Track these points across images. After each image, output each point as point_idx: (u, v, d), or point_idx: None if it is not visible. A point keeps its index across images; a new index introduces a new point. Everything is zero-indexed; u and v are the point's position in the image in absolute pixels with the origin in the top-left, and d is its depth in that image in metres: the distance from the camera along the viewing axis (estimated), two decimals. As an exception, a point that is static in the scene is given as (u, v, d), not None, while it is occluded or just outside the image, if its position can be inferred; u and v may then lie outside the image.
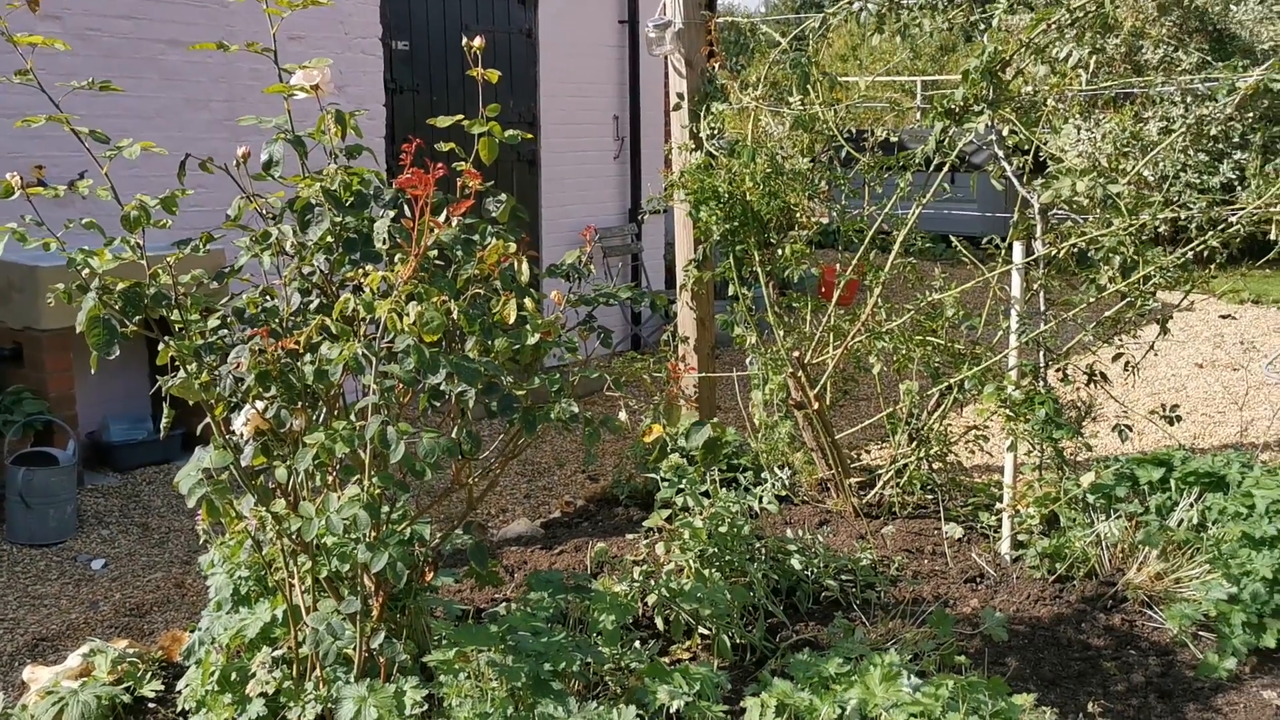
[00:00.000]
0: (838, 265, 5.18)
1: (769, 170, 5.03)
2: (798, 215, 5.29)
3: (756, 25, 5.50)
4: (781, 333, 5.17)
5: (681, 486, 3.81)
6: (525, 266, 2.71)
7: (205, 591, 3.48)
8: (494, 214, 2.98)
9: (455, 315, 2.63)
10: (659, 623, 3.80)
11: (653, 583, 3.82)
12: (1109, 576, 4.22)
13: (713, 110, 5.40)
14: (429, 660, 2.97)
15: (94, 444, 6.14)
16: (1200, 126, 4.69)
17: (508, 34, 8.15)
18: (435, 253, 2.92)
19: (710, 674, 2.99)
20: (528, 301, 2.69)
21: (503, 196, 3.00)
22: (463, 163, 2.94)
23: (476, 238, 2.88)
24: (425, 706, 2.89)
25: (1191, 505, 4.19)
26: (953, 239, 4.81)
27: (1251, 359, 8.53)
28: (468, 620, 3.62)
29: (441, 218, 2.81)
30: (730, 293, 5.34)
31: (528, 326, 2.79)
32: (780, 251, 5.13)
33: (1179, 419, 4.46)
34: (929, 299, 4.78)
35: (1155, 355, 4.49)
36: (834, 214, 5.16)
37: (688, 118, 5.51)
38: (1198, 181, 11.66)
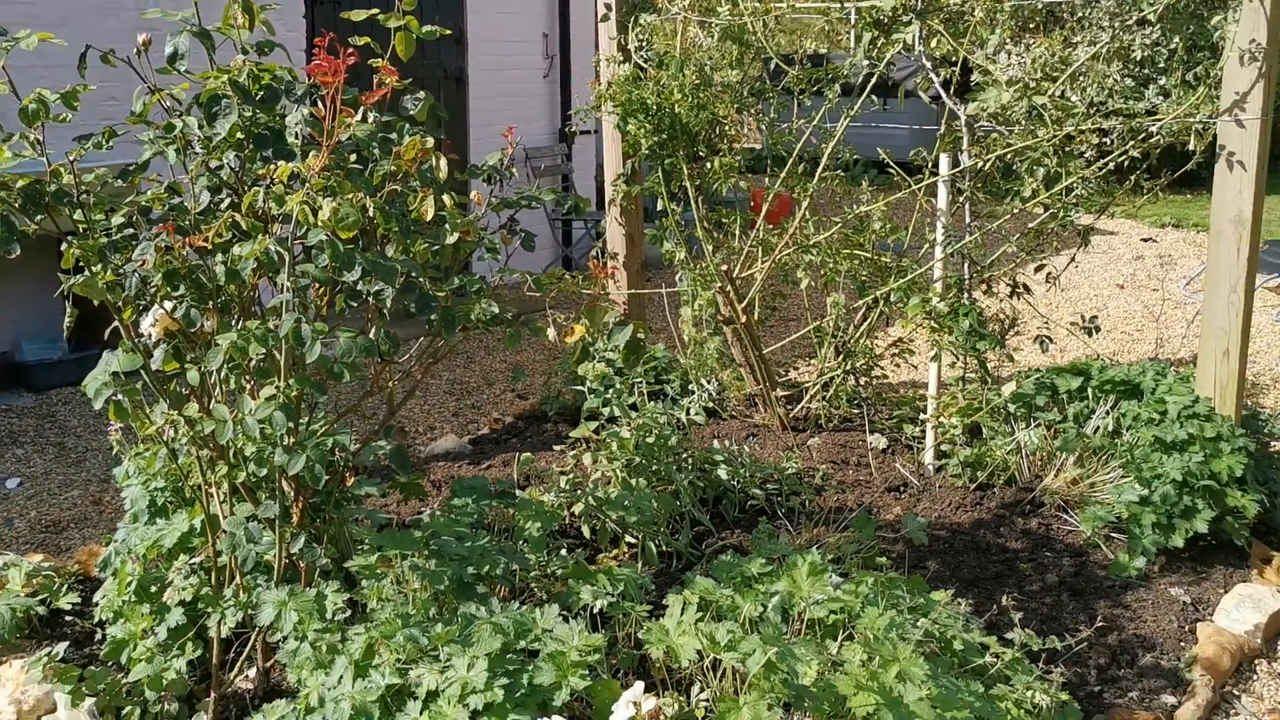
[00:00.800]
0: (765, 182, 5.16)
1: (697, 82, 4.98)
2: (727, 128, 5.25)
3: (685, -66, 5.39)
4: (710, 248, 5.15)
5: (608, 397, 3.80)
6: (443, 163, 2.64)
7: (123, 508, 3.41)
8: (412, 112, 2.90)
9: (371, 213, 2.57)
10: (586, 531, 3.81)
11: (579, 492, 3.82)
12: (1028, 483, 4.31)
13: (641, 22, 5.31)
14: (351, 566, 2.94)
15: (7, 364, 5.97)
16: (1127, 51, 4.70)
17: (433, -54, 7.94)
18: (354, 157, 2.85)
19: (634, 575, 3.00)
20: (446, 199, 2.63)
21: (421, 94, 2.92)
22: (379, 59, 2.85)
23: (394, 136, 2.80)
24: (348, 611, 2.87)
25: (1107, 413, 4.28)
26: (880, 151, 4.80)
27: (1170, 279, 8.70)
28: (391, 529, 3.60)
29: (358, 117, 2.73)
30: (659, 208, 5.30)
31: (446, 226, 2.73)
32: (709, 166, 5.09)
33: (1098, 329, 4.53)
34: (856, 212, 4.79)
35: (1076, 268, 4.56)
36: (763, 128, 5.12)
37: (615, 29, 5.41)
38: (1124, 106, 11.80)
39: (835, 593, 2.81)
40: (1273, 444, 4.43)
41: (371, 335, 2.66)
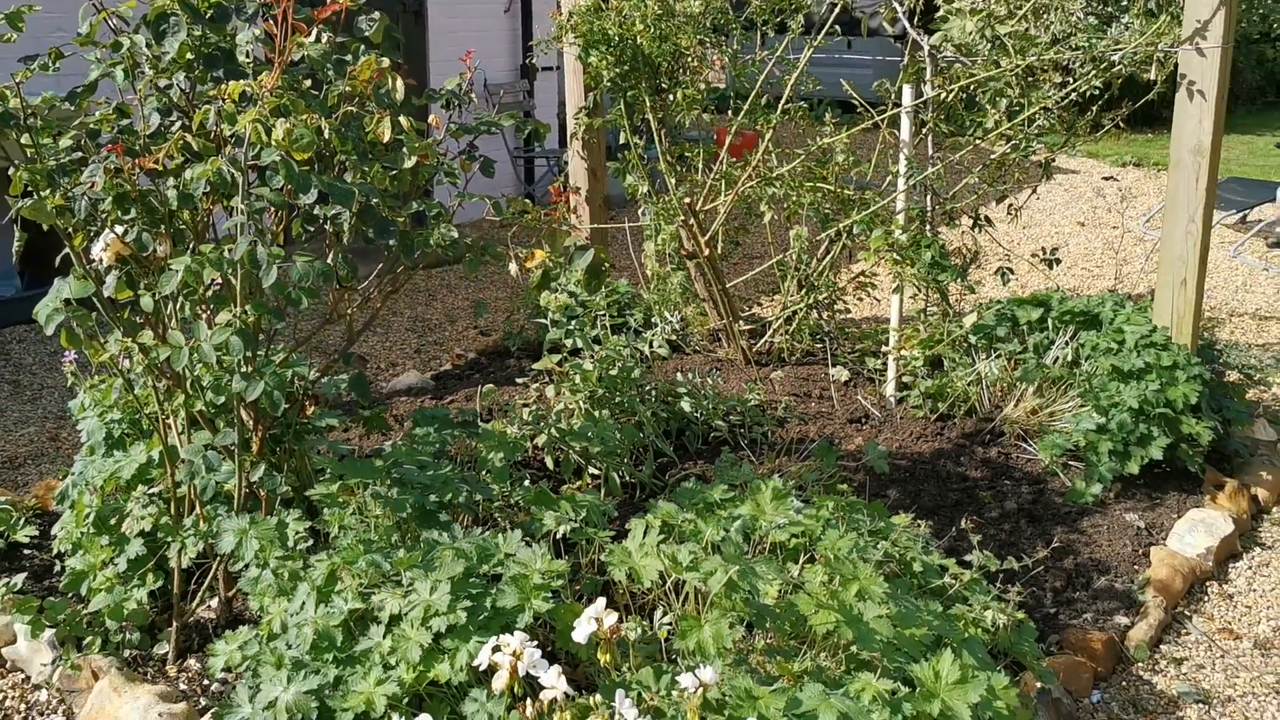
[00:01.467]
0: (729, 114, 5.12)
1: (660, 12, 4.91)
2: (690, 61, 5.19)
3: None
4: (674, 181, 5.11)
5: (570, 328, 3.78)
6: (399, 85, 2.59)
7: (80, 443, 3.37)
8: (367, 33, 2.84)
9: (327, 135, 2.52)
10: (549, 463, 3.81)
11: (542, 424, 3.81)
12: (988, 413, 4.35)
13: (603, -50, 5.21)
14: (312, 494, 2.93)
15: (-41, 303, 5.87)
16: None
17: (389, -126, 7.75)
18: (309, 82, 2.79)
19: (598, 501, 3.01)
20: (403, 121, 2.59)
21: (376, 15, 2.85)
22: (332, -21, 2.78)
23: (349, 58, 2.75)
24: (310, 540, 2.86)
25: (1067, 343, 4.31)
26: (844, 83, 4.77)
27: (1130, 216, 8.76)
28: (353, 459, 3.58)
29: (311, 36, 2.67)
30: (621, 142, 5.25)
31: (404, 150, 2.69)
32: (672, 98, 5.04)
33: (1059, 262, 4.56)
34: (820, 144, 4.77)
35: (1038, 206, 4.57)
36: (727, 60, 5.07)
37: (577, -42, 5.31)
38: (1087, 44, 11.78)
39: (797, 517, 2.83)
40: (1228, 373, 4.49)
41: (330, 261, 2.62)
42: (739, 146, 5.25)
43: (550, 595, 2.52)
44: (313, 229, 2.66)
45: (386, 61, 2.58)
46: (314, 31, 2.73)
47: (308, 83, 2.80)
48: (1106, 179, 10.32)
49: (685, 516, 2.79)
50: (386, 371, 5.43)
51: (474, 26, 8.54)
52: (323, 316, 2.99)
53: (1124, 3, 11.66)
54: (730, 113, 5.04)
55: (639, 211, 5.31)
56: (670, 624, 2.68)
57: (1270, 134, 12.42)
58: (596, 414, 3.91)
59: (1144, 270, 7.03)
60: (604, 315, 4.46)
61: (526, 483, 3.66)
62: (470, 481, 3.19)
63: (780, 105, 4.78)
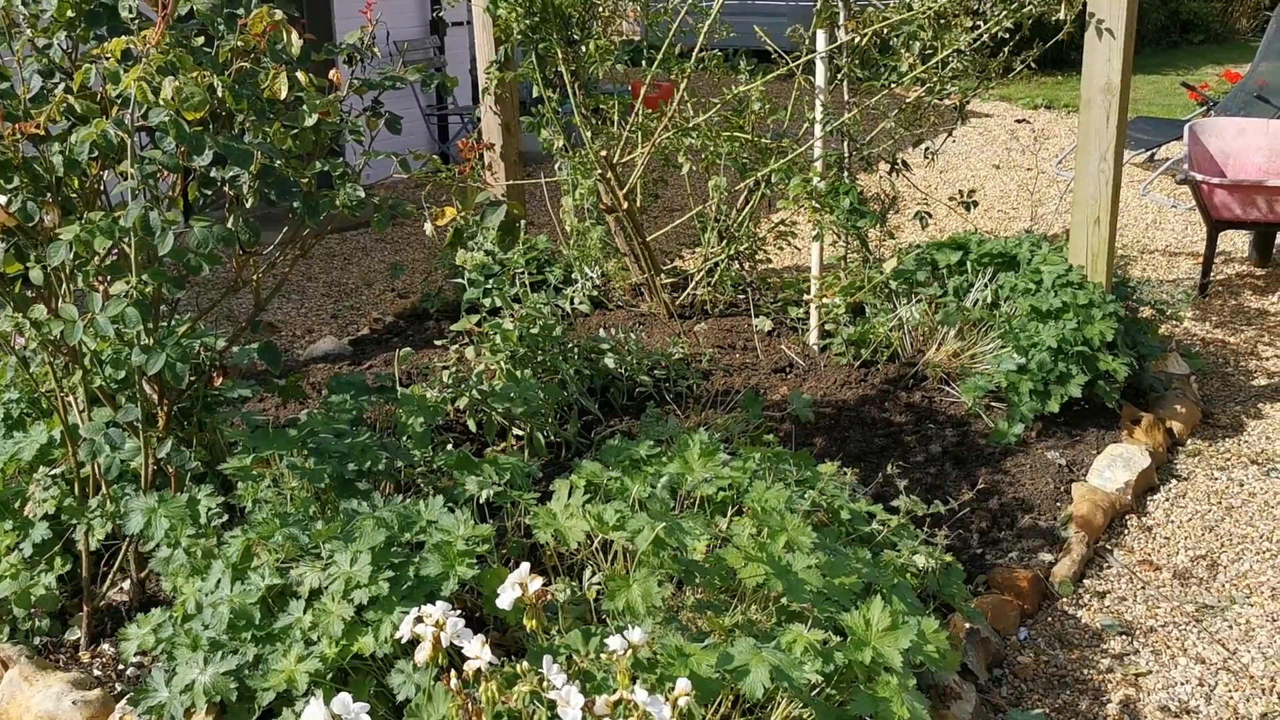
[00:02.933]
0: (643, 64, 5.03)
1: (569, -39, 4.80)
2: (601, 11, 5.09)
3: None
4: (590, 135, 5.02)
5: (489, 287, 3.70)
6: (295, 38, 2.48)
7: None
8: (260, -15, 2.71)
9: (220, 93, 2.40)
10: (471, 425, 3.74)
11: (463, 386, 3.74)
12: (910, 358, 4.36)
13: (508, -102, 5.07)
14: (225, 468, 2.83)
15: None
16: None
17: None
18: (201, 39, 2.66)
19: (521, 463, 2.95)
20: (300, 76, 2.48)
21: (269, -35, 2.72)
22: (220, -72, 2.65)
23: (240, 11, 2.62)
24: (224, 516, 2.77)
25: (986, 285, 4.33)
26: (758, 30, 4.71)
27: (1043, 158, 8.86)
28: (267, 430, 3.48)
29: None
30: (535, 96, 5.14)
31: (304, 108, 2.58)
32: (585, 49, 4.95)
33: (975, 204, 4.57)
34: (735, 93, 4.71)
35: (954, 149, 4.57)
36: (638, 7, 4.98)
37: (482, -94, 5.16)
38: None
39: (724, 470, 2.80)
40: (1141, 309, 4.56)
41: (230, 225, 2.51)
42: (655, 98, 5.17)
43: (475, 561, 2.46)
44: (210, 193, 2.54)
45: (280, 14, 2.46)
46: (203, -15, 2.60)
47: (200, 40, 2.67)
48: (1020, 121, 10.42)
49: (611, 475, 2.75)
50: (303, 339, 5.30)
51: (379, -19, 8.29)
52: (228, 284, 2.87)
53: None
54: (645, 64, 4.95)
55: (555, 166, 5.22)
56: (599, 584, 2.65)
57: (1175, 73, 12.65)
58: (518, 374, 3.85)
59: (1058, 211, 7.11)
60: (523, 273, 4.38)
61: (449, 447, 3.58)
62: (390, 448, 3.11)
63: (694, 55, 4.70)
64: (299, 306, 5.75)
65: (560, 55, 4.96)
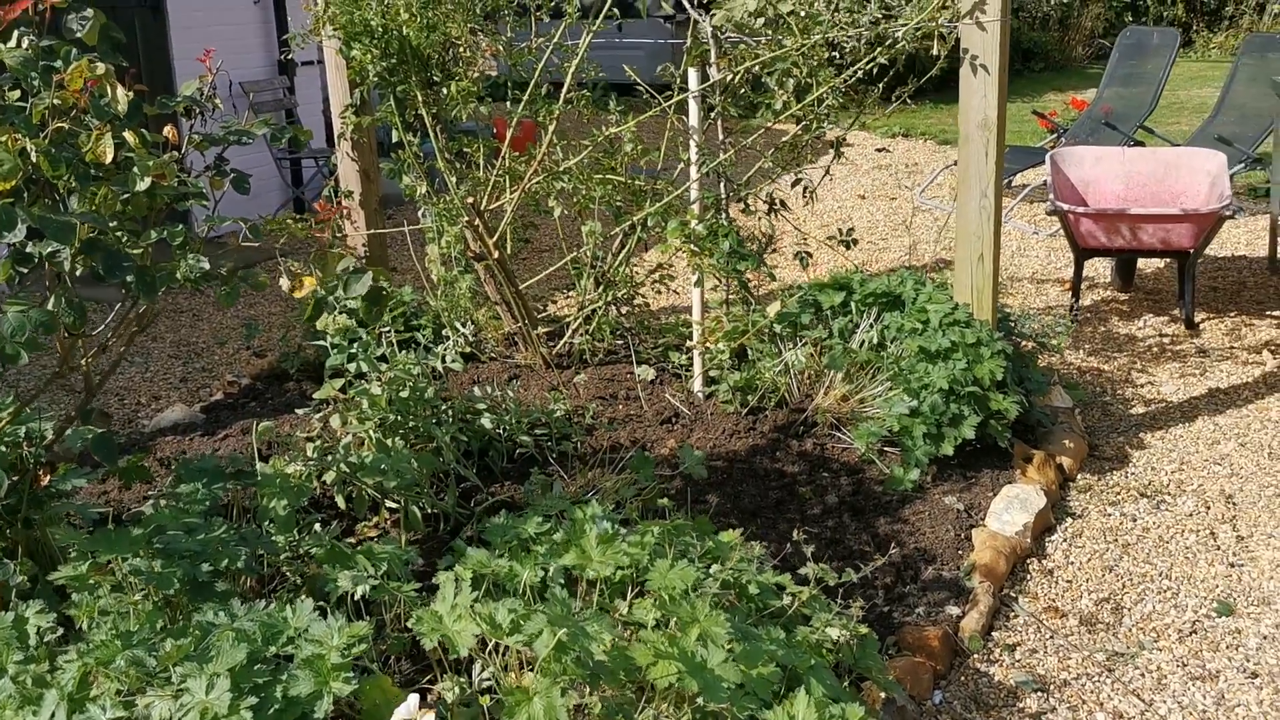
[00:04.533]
0: (508, 105, 4.82)
1: (425, -1, 4.56)
2: (462, 51, 4.86)
3: None
4: (454, 180, 4.78)
5: (353, 352, 3.42)
6: (121, 93, 2.19)
7: None
8: (79, 34, 2.41)
9: (35, 158, 2.10)
10: (340, 502, 3.44)
11: (330, 459, 3.44)
12: (799, 403, 4.23)
13: (357, -67, 4.81)
14: (57, 578, 2.49)
15: None
16: None
17: None
18: (16, 94, 2.35)
19: (398, 551, 2.68)
20: (129, 136, 2.19)
21: (89, 12, 2.42)
22: (31, -30, 2.34)
23: (58, 64, 2.32)
24: (59, 631, 2.43)
25: (871, 325, 4.24)
26: (626, 69, 4.56)
27: (904, 186, 8.96)
28: (109, 525, 3.13)
29: (13, 43, 2.23)
30: (395, 140, 4.87)
31: (135, 171, 2.29)
32: (446, 91, 4.70)
33: (855, 242, 4.49)
34: (607, 134, 4.54)
35: (829, 181, 4.48)
36: (500, 49, 4.76)
37: (330, -57, 4.89)
38: (848, 20, 12.06)
39: (623, 545, 2.59)
40: (1023, 343, 4.53)
41: (51, 306, 2.20)
42: (520, 139, 4.96)
43: (352, 674, 2.19)
44: (27, 270, 2.23)
45: (102, 67, 2.17)
46: (15, 37, 2.29)
47: (15, 94, 2.35)
48: (880, 150, 10.55)
49: (499, 562, 2.51)
50: (149, 406, 4.89)
51: (222, 20, 7.90)
52: (53, 369, 2.54)
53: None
54: (509, 103, 4.74)
55: (419, 213, 4.96)
56: (490, 679, 2.41)
57: (1021, 100, 13.03)
58: (389, 442, 3.57)
59: (927, 240, 7.15)
60: (389, 331, 4.10)
61: (317, 527, 3.29)
62: (250, 539, 2.81)
63: (562, 94, 4.51)
64: (143, 370, 5.33)
65: (420, 98, 4.71)
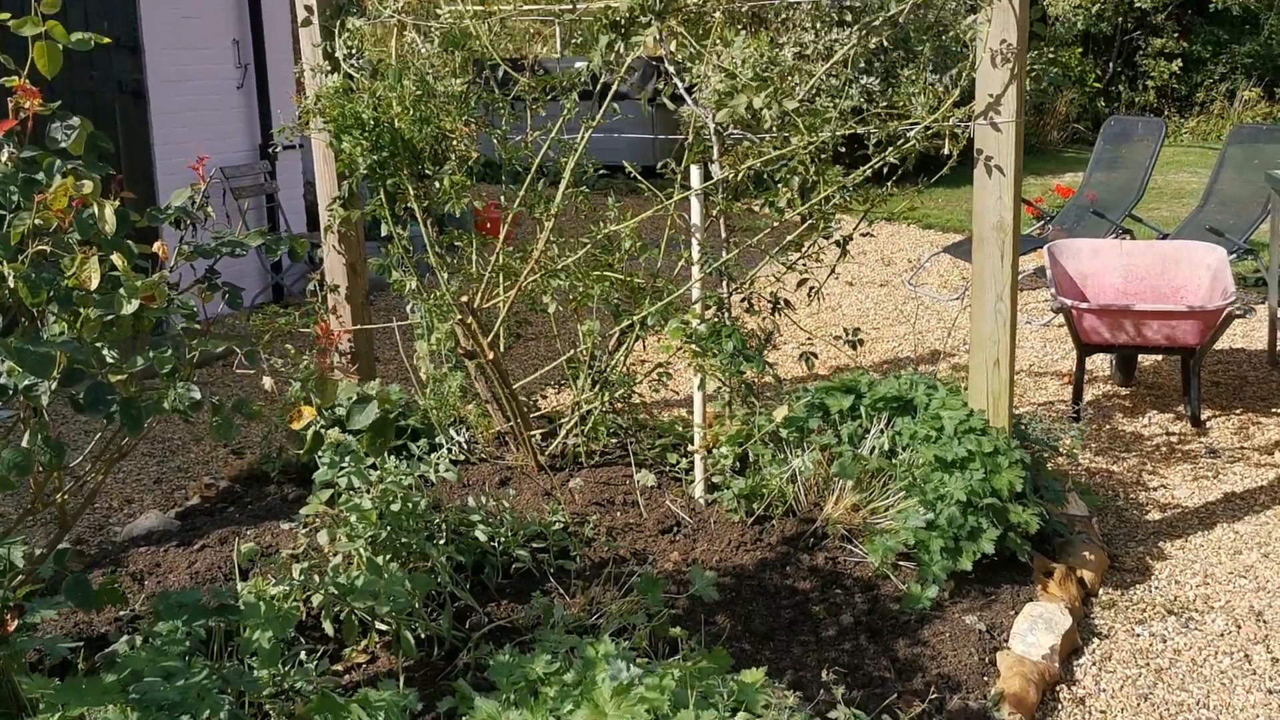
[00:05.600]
0: (502, 199, 4.68)
1: (419, 93, 4.45)
2: (454, 143, 4.73)
3: (392, -74, 4.83)
4: (445, 275, 4.62)
5: (345, 467, 3.23)
6: (109, 213, 2.02)
7: None
8: (64, 144, 2.25)
9: (13, 282, 1.92)
10: (328, 628, 3.23)
11: (317, 579, 3.23)
12: (807, 513, 4.05)
13: (349, 26, 4.71)
14: (21, 735, 2.26)
15: None
16: (830, 50, 4.54)
17: (95, -59, 6.93)
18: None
19: (395, 698, 2.47)
20: (117, 259, 2.02)
21: (75, 120, 2.26)
22: (13, 77, 2.19)
23: (40, 176, 2.15)
24: (22, 795, 2.20)
25: (882, 431, 4.09)
26: (627, 165, 4.44)
27: (894, 272, 8.89)
28: (79, 657, 2.90)
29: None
30: (383, 233, 4.73)
31: (122, 293, 2.11)
32: (438, 185, 4.57)
33: (862, 343, 4.36)
34: (605, 231, 4.40)
35: (816, 266, 4.35)
36: (495, 142, 4.64)
37: (319, 35, 4.79)
38: (831, 106, 12.11)
39: (640, 691, 2.39)
40: (1032, 446, 4.38)
41: (25, 443, 2.01)
42: (510, 233, 4.81)
43: None
44: (3, 402, 2.04)
45: (89, 184, 2.01)
46: (-7, 145, 2.13)
47: (-8, 203, 2.18)
48: (865, 235, 10.49)
49: (509, 715, 2.30)
50: (121, 512, 4.65)
51: (204, 105, 7.78)
52: (23, 504, 2.34)
53: (863, 64, 12.07)
54: (502, 184, 4.60)
55: (407, 307, 4.79)
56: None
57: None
58: (380, 561, 3.36)
59: (921, 329, 7.04)
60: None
61: (303, 655, 3.08)
62: (233, 677, 2.60)
63: (559, 192, 4.38)
64: (116, 471, 5.10)
65: (412, 191, 4.57)
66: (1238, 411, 5.57)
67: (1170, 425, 5.40)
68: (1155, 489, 4.71)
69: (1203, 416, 5.47)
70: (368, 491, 3.45)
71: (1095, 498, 4.51)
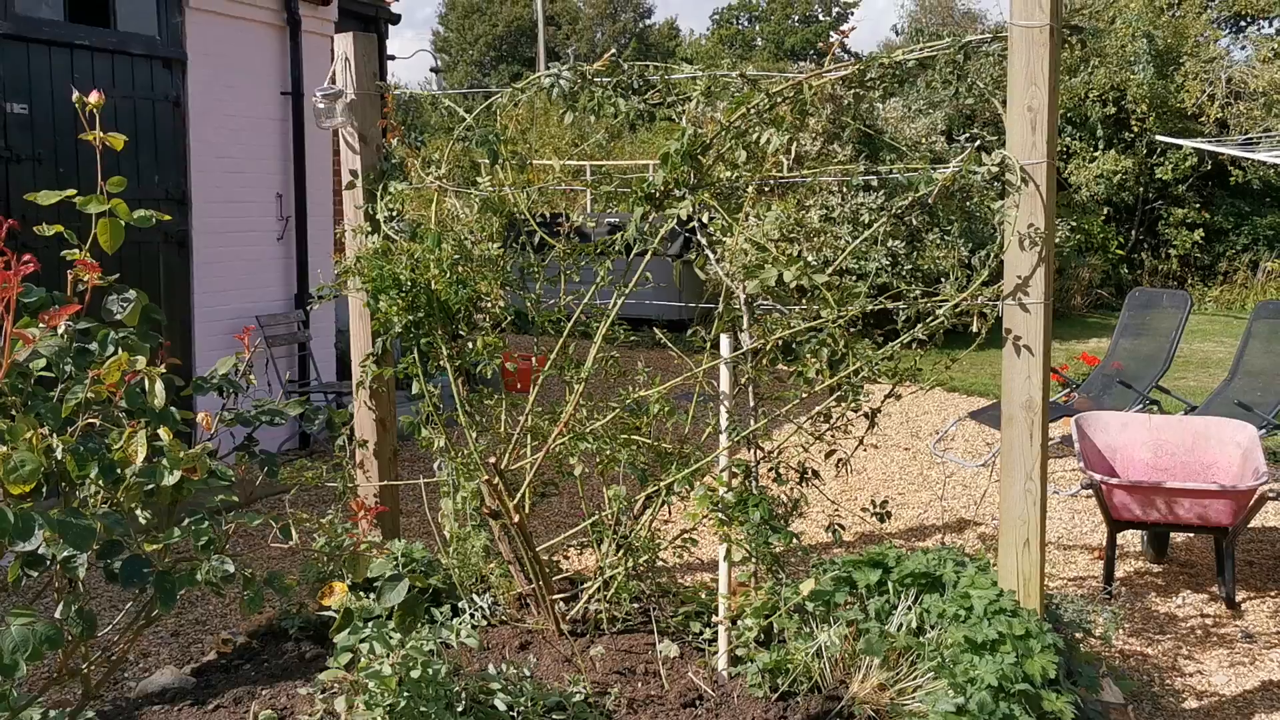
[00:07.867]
0: (533, 359, 4.75)
1: (456, 256, 4.56)
2: (488, 305, 4.83)
3: (438, 98, 5.04)
4: (474, 434, 4.65)
5: (367, 634, 3.20)
6: (159, 388, 2.07)
7: None
8: (119, 315, 2.31)
9: (60, 455, 1.95)
10: (342, 802, 3.14)
11: (334, 751, 3.17)
12: (832, 689, 3.96)
13: (391, 190, 4.87)
14: None
15: None
16: (856, 214, 4.66)
17: (151, 101, 7.24)
18: (42, 364, 2.23)
19: None
20: (163, 432, 2.05)
21: (131, 294, 2.34)
22: (75, 250, 2.27)
23: (94, 347, 2.21)
24: None
25: (909, 608, 4.02)
26: (658, 332, 4.51)
27: (913, 436, 8.88)
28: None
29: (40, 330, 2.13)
30: (414, 391, 4.78)
31: (164, 462, 2.14)
32: (472, 345, 4.64)
33: (889, 515, 4.33)
34: (633, 395, 4.44)
35: (828, 423, 4.36)
36: (529, 303, 4.73)
37: (362, 197, 4.95)
38: (855, 267, 12.28)
39: None
40: (1064, 628, 4.30)
41: (59, 614, 2.01)
42: (524, 386, 4.85)
43: None
44: (37, 572, 2.05)
45: (142, 360, 2.06)
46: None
47: (40, 364, 2.23)
48: (888, 397, 10.53)
49: None
50: (137, 665, 4.60)
51: (244, 255, 8.00)
52: (48, 675, 2.32)
53: (888, 229, 12.30)
54: (534, 356, 4.67)
55: (434, 465, 4.81)
56: None
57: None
58: (399, 731, 3.29)
59: (947, 496, 6.99)
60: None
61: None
62: None
63: (590, 357, 4.44)
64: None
65: (444, 351, 4.65)
66: (1273, 594, 5.46)
67: (1204, 606, 5.30)
68: (1191, 675, 4.59)
69: (1238, 598, 5.36)
70: (388, 655, 3.41)
71: (1130, 683, 4.40)
